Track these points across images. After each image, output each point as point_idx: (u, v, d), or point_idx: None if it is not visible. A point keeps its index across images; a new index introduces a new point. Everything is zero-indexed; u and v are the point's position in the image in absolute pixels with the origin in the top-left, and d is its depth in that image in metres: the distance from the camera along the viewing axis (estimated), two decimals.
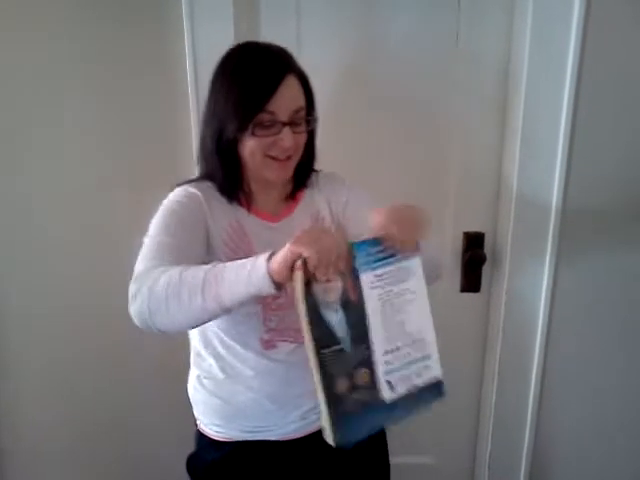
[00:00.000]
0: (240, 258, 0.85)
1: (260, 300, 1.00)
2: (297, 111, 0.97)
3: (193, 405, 1.16)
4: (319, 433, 1.01)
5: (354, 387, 0.81)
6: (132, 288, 0.85)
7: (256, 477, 1.11)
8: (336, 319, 0.79)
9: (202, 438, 1.14)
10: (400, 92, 1.45)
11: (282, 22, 1.40)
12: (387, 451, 1.28)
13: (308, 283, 0.76)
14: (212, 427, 1.11)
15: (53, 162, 1.46)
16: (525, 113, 1.36)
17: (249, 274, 0.78)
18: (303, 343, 0.94)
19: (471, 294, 1.59)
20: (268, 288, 0.78)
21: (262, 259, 0.78)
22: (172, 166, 1.36)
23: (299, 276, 0.75)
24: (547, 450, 1.67)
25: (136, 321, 0.86)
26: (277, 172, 1.01)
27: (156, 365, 1.55)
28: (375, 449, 1.22)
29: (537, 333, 1.52)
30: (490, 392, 1.63)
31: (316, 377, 0.78)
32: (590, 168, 1.40)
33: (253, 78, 0.94)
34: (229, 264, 0.82)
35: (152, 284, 0.82)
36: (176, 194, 1.02)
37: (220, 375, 1.08)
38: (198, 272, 0.81)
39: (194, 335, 1.11)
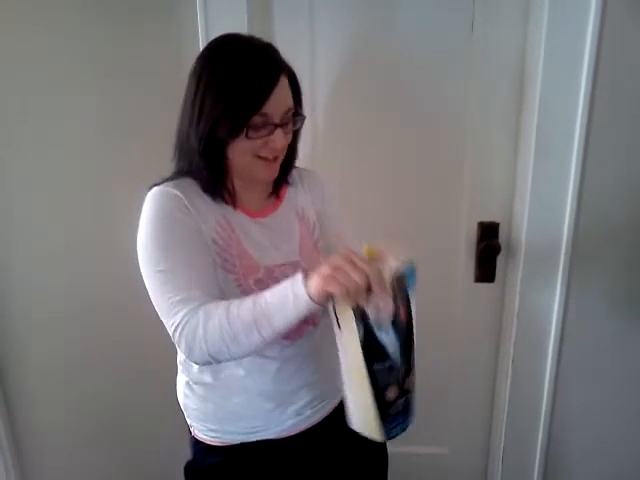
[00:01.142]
0: (230, 255, 0.96)
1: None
2: (287, 111, 0.97)
3: (184, 412, 1.12)
4: (314, 428, 1.09)
5: (401, 393, 0.90)
6: (181, 340, 0.89)
7: (257, 478, 1.10)
8: (387, 338, 0.86)
9: (197, 444, 1.11)
10: (415, 82, 1.45)
11: (295, 19, 1.40)
12: (385, 443, 1.24)
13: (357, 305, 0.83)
14: (207, 432, 1.08)
15: (52, 157, 1.49)
16: (541, 100, 1.34)
17: (294, 304, 0.83)
18: (295, 340, 1.03)
19: (485, 284, 1.58)
20: (316, 308, 0.83)
21: (300, 288, 0.83)
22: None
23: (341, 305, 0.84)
24: (562, 442, 1.67)
25: (200, 364, 0.97)
26: (266, 172, 1.01)
27: (163, 361, 1.55)
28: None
29: (552, 323, 1.51)
30: (504, 383, 1.62)
31: (365, 389, 0.86)
32: (608, 155, 1.38)
33: (248, 80, 0.91)
34: (267, 297, 0.86)
35: (204, 335, 0.86)
36: (158, 202, 0.95)
37: (210, 379, 1.05)
38: (243, 313, 0.85)
39: None
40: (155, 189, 0.97)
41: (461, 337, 1.66)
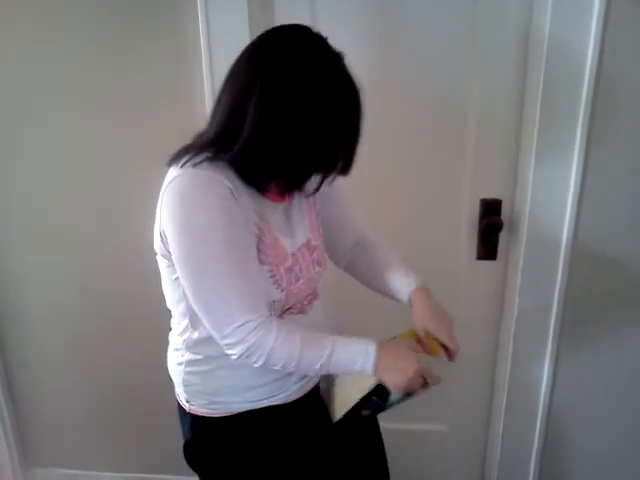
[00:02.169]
0: (265, 246, 0.95)
1: (283, 288, 0.99)
2: None
3: (182, 388, 1.08)
4: (315, 390, 1.13)
5: (368, 416, 1.09)
6: (243, 344, 0.90)
7: (265, 444, 1.09)
8: (395, 396, 1.01)
9: (197, 420, 1.08)
10: (416, 58, 1.43)
11: (296, 15, 1.35)
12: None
13: None
14: (210, 406, 1.06)
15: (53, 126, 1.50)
16: (546, 75, 1.32)
17: (354, 372, 0.96)
18: (303, 312, 1.06)
19: (487, 262, 1.58)
20: None
21: (369, 370, 0.95)
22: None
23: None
24: (561, 420, 1.67)
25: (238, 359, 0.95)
26: None
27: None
28: None
29: (554, 300, 1.51)
30: (505, 360, 1.62)
31: (355, 395, 1.02)
32: (613, 132, 1.37)
33: (359, 122, 0.93)
34: (340, 357, 0.94)
35: (271, 352, 0.91)
36: (210, 190, 0.87)
37: (216, 354, 1.00)
38: (314, 357, 0.93)
39: (183, 318, 1.02)
40: (198, 173, 0.88)
41: (462, 315, 1.65)
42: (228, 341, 0.91)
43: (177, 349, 1.08)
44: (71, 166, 1.53)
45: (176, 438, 1.13)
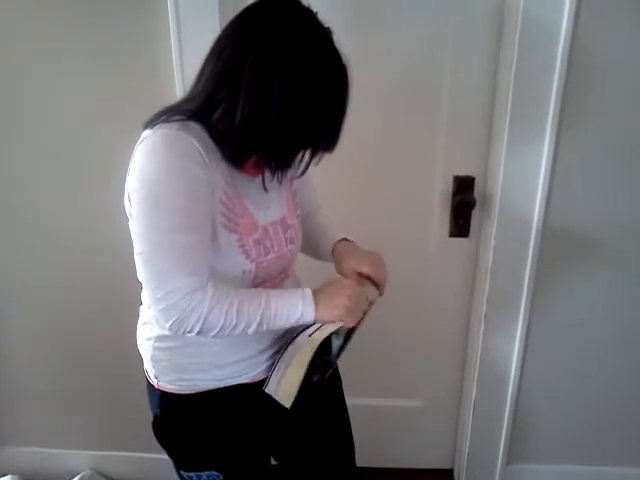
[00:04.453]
0: (235, 215, 0.93)
1: (252, 259, 0.97)
2: None
3: (151, 364, 1.06)
4: None
5: (320, 379, 1.08)
6: (174, 310, 0.87)
7: (234, 422, 1.09)
8: (336, 341, 1.03)
9: (166, 397, 1.06)
10: (389, 36, 1.41)
11: None
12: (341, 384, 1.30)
13: None
14: (178, 382, 1.05)
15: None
16: (519, 54, 1.31)
17: (298, 319, 0.95)
18: (280, 286, 1.05)
19: (460, 239, 1.58)
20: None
21: (310, 312, 0.95)
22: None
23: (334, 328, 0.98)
24: (531, 396, 1.70)
25: (170, 332, 0.92)
26: None
27: None
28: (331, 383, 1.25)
29: (525, 278, 1.52)
30: (477, 337, 1.64)
31: (299, 371, 0.99)
32: (585, 111, 1.37)
33: (347, 97, 0.92)
34: (278, 305, 0.93)
35: (206, 315, 0.88)
36: (175, 150, 0.85)
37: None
38: (252, 311, 0.91)
39: None
40: (167, 132, 0.86)
41: (434, 292, 1.67)
42: (164, 304, 0.87)
43: (146, 322, 1.06)
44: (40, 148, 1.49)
45: (146, 415, 1.12)
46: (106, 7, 1.34)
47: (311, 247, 1.21)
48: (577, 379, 1.68)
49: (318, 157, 0.96)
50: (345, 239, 1.17)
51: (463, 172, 1.52)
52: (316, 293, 0.96)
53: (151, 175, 0.85)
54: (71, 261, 1.61)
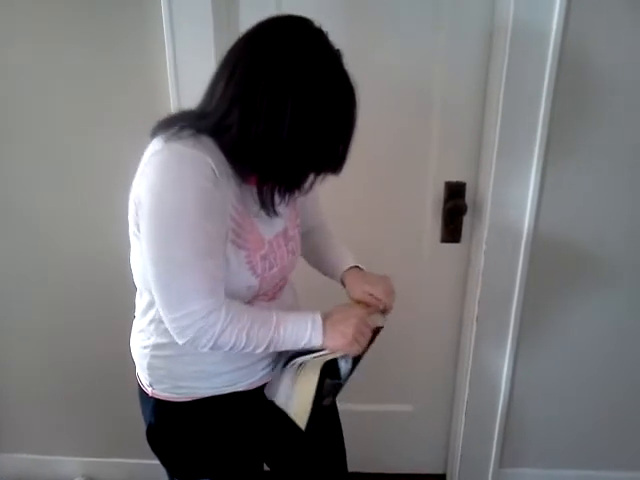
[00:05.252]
0: (243, 231, 0.94)
1: (258, 274, 0.98)
2: None
3: (146, 372, 1.06)
4: None
5: (333, 401, 1.13)
6: (190, 329, 0.89)
7: (229, 429, 1.09)
8: (344, 365, 1.04)
9: (160, 405, 1.06)
10: (382, 42, 1.43)
11: (262, 10, 1.34)
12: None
13: None
14: (174, 390, 1.05)
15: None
16: (510, 61, 1.32)
17: (305, 344, 0.97)
18: (272, 299, 1.06)
19: (451, 244, 1.59)
20: None
21: (318, 339, 0.97)
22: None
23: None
24: (523, 399, 1.71)
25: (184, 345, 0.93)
26: None
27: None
28: None
29: (516, 282, 1.53)
30: (468, 341, 1.65)
31: (310, 393, 1.02)
32: (575, 116, 1.38)
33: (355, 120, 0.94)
34: (287, 329, 0.95)
35: (219, 334, 0.90)
36: (190, 169, 0.85)
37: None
38: (262, 334, 0.93)
39: (152, 296, 0.98)
40: (182, 149, 0.86)
41: (427, 297, 1.67)
42: (179, 323, 0.89)
43: (143, 330, 1.05)
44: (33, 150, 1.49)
45: (139, 421, 1.12)
46: (105, 8, 1.35)
47: (322, 266, 1.23)
48: (569, 383, 1.69)
49: (323, 176, 0.97)
50: (356, 266, 1.19)
51: (454, 178, 1.53)
52: (325, 319, 0.98)
53: (167, 197, 0.85)
54: (68, 262, 1.61)
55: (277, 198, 0.94)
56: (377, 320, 1.07)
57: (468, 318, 1.65)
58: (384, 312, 1.12)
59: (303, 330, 0.96)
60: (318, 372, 1.00)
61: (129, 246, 0.99)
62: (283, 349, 0.97)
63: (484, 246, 1.50)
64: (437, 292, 1.67)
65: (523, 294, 1.55)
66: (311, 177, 0.96)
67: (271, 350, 0.96)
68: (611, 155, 1.42)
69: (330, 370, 1.01)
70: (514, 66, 1.33)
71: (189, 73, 1.35)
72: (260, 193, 0.92)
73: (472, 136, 1.50)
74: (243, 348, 0.93)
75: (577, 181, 1.45)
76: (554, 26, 1.29)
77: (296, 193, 0.96)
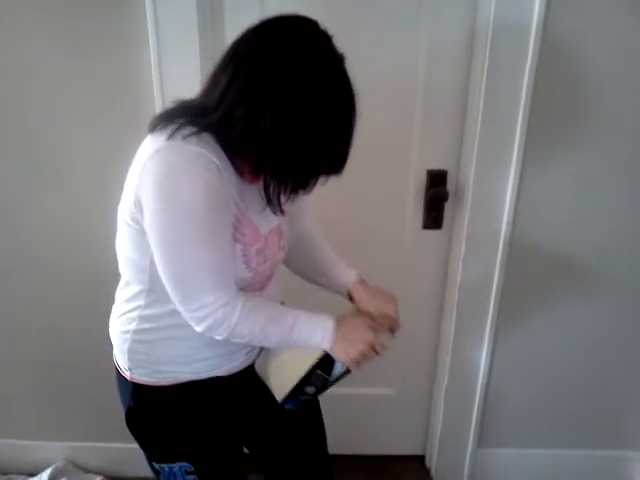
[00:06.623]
0: (241, 225, 0.95)
1: (252, 268, 1.00)
2: None
3: (126, 356, 1.05)
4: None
5: (313, 395, 1.12)
6: (207, 320, 0.92)
7: (209, 414, 1.10)
8: (339, 369, 1.06)
9: (139, 389, 1.06)
10: (364, 30, 1.42)
11: (246, 13, 1.33)
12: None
13: None
14: (154, 375, 1.05)
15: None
16: (492, 45, 1.33)
17: (314, 346, 1.01)
18: (264, 289, 1.07)
19: (433, 231, 1.61)
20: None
21: (327, 344, 1.00)
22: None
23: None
24: (501, 383, 1.75)
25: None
26: None
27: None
28: None
29: (495, 269, 1.56)
30: (449, 326, 1.68)
31: (298, 373, 1.05)
32: (554, 103, 1.40)
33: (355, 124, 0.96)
34: (300, 331, 0.99)
35: (234, 327, 0.94)
36: (196, 167, 0.85)
37: (168, 323, 1.01)
38: (277, 332, 0.98)
39: (139, 284, 1.00)
40: (187, 147, 0.85)
41: (408, 282, 1.69)
42: (195, 314, 0.92)
43: (124, 314, 1.05)
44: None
45: (118, 406, 1.12)
46: (90, 11, 1.34)
47: (321, 280, 1.24)
48: (544, 367, 1.73)
49: (325, 179, 0.98)
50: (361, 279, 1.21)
51: (436, 166, 1.54)
52: (337, 327, 1.01)
53: (175, 196, 0.85)
54: (49, 251, 1.60)
55: (283, 197, 0.95)
56: (385, 341, 1.07)
57: (449, 304, 1.68)
58: (392, 331, 1.14)
59: (313, 336, 1.00)
60: (315, 358, 1.03)
61: (112, 241, 1.00)
62: (296, 345, 1.01)
63: (465, 232, 1.52)
64: (419, 278, 1.69)
65: (503, 281, 1.57)
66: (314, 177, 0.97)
67: (283, 344, 1.01)
68: (589, 146, 1.45)
69: (325, 364, 1.04)
70: (495, 57, 1.34)
71: (174, 74, 1.35)
72: (267, 192, 0.93)
73: (454, 125, 1.51)
74: (257, 342, 0.99)
75: (557, 171, 1.47)
76: (534, 21, 1.30)
77: (300, 192, 0.97)
